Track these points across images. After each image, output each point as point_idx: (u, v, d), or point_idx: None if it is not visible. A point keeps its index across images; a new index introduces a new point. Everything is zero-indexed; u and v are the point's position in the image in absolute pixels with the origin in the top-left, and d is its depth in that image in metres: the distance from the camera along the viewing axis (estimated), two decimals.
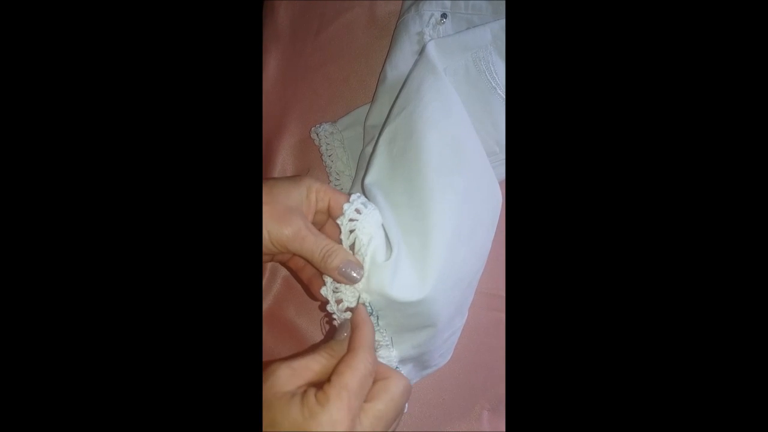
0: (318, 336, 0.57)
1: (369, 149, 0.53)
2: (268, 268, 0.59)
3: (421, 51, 0.51)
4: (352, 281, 0.38)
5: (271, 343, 0.57)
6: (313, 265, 0.40)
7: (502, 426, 0.54)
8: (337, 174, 0.59)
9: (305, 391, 0.33)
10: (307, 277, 0.45)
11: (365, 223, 0.40)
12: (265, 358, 0.57)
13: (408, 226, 0.41)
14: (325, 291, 0.40)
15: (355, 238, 0.40)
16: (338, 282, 0.39)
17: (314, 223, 0.41)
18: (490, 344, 0.55)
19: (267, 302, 0.58)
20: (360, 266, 0.39)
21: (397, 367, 0.43)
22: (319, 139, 0.60)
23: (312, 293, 0.44)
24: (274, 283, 0.59)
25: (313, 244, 0.38)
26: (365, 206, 0.41)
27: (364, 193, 0.46)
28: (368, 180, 0.45)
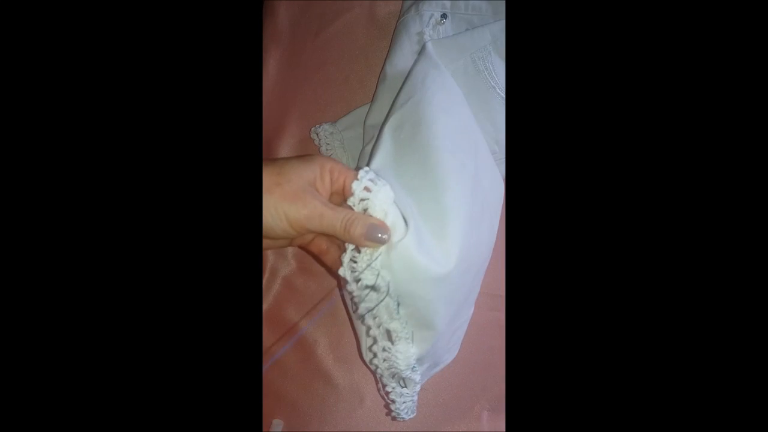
0: (318, 336, 0.57)
1: (369, 148, 0.53)
2: (268, 268, 0.59)
3: (421, 50, 0.51)
4: (381, 243, 0.37)
5: (271, 343, 0.57)
6: (337, 238, 0.39)
7: (502, 426, 0.54)
8: None
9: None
10: (332, 260, 0.44)
11: (376, 200, 0.38)
12: (265, 358, 0.57)
13: (423, 206, 0.40)
14: (343, 271, 0.39)
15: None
16: (366, 247, 0.38)
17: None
18: (490, 344, 0.55)
19: (267, 302, 0.58)
20: (384, 227, 0.38)
21: (414, 367, 0.42)
22: (319, 139, 0.60)
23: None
24: (274, 283, 0.59)
25: (332, 218, 0.38)
26: (374, 183, 0.39)
27: None
28: (372, 167, 0.44)
